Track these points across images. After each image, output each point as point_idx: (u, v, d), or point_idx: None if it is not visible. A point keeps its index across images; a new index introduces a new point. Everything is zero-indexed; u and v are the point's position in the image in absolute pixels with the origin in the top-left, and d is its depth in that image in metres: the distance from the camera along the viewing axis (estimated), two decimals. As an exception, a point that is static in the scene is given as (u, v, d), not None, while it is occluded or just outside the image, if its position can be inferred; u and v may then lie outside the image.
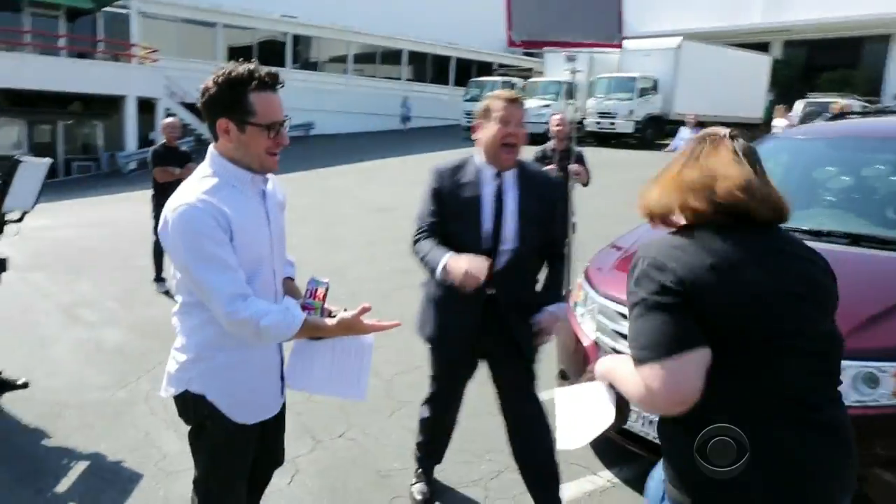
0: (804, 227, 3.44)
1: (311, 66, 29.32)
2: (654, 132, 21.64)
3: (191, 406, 2.00)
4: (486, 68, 32.75)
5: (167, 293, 6.71)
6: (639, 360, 1.45)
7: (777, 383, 1.45)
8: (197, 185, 1.87)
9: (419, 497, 3.15)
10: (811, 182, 3.96)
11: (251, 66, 1.86)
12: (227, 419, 1.98)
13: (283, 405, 2.20)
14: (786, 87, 27.68)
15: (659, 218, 1.61)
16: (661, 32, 25.11)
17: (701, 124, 13.59)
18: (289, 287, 2.19)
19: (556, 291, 2.86)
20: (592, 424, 1.70)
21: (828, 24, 27.21)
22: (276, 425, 2.21)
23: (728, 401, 1.45)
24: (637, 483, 3.31)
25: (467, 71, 32.06)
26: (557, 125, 6.33)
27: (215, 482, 2.09)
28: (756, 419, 1.44)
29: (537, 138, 21.81)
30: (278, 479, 3.27)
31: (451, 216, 2.71)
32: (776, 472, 1.44)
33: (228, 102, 1.84)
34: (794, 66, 29.56)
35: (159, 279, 6.90)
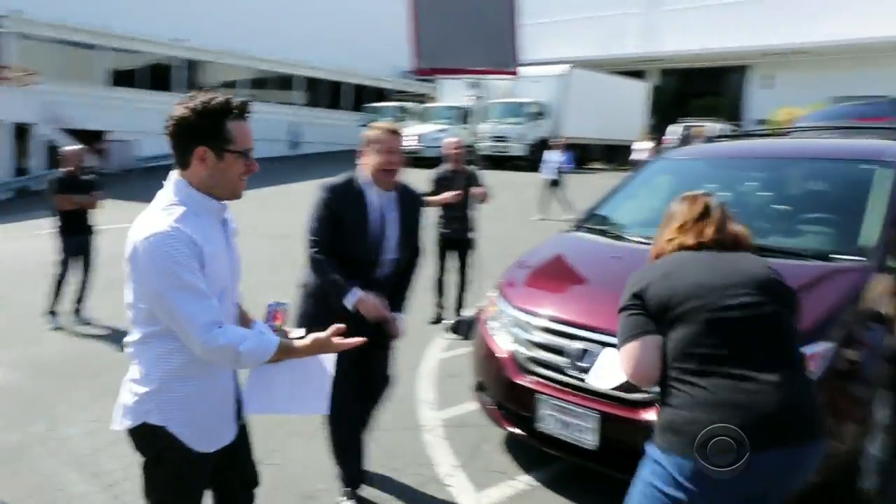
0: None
1: (200, 90, 28.49)
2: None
3: (149, 438, 1.97)
4: (380, 94, 33.06)
5: (59, 328, 6.36)
6: (618, 347, 2.09)
7: (699, 344, 1.98)
8: (165, 213, 1.87)
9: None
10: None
11: (223, 96, 1.91)
12: (186, 449, 1.97)
13: (243, 427, 2.20)
14: (662, 112, 29.72)
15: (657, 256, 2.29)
16: (547, 60, 26.31)
17: (569, 147, 14.01)
18: (239, 313, 2.20)
19: (402, 299, 3.30)
20: (617, 377, 2.46)
21: (694, 56, 29.53)
22: (241, 447, 2.20)
23: (672, 352, 2.00)
24: (554, 485, 3.50)
25: (362, 96, 32.25)
26: (455, 149, 6.53)
27: None
28: (685, 374, 1.98)
29: (435, 161, 22.36)
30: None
31: (342, 229, 3.05)
32: (699, 406, 1.93)
33: (208, 131, 1.89)
34: (668, 93, 31.79)
35: (52, 312, 6.51)
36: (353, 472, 3.31)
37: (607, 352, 2.76)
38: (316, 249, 3.06)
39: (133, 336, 1.98)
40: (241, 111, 1.95)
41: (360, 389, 3.28)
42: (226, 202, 2.01)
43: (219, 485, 2.19)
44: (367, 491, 3.38)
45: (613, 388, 2.94)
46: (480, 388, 3.83)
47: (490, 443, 3.97)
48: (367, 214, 3.07)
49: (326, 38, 31.06)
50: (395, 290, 3.25)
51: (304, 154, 29.33)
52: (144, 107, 25.26)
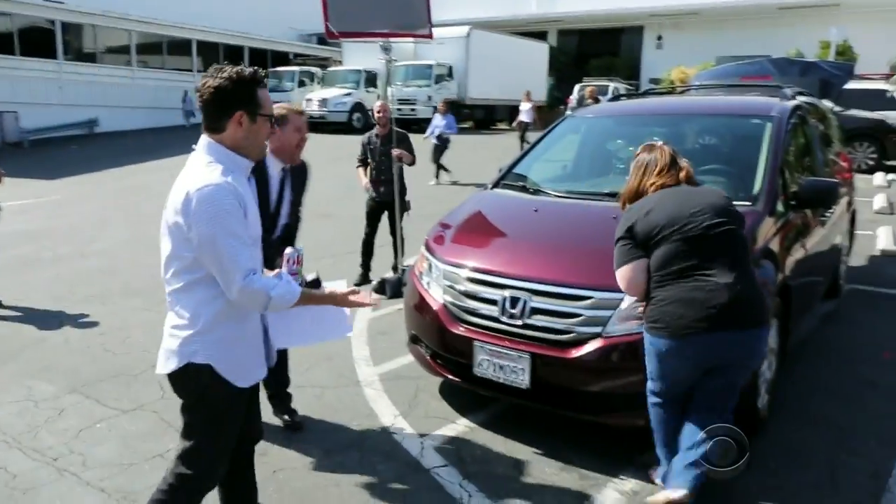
0: (604, 191, 4.12)
1: (89, 57, 26.57)
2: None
3: (193, 377, 2.18)
4: (282, 58, 32.05)
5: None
6: (615, 270, 2.85)
7: (674, 259, 2.72)
8: (210, 170, 2.10)
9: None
10: (605, 153, 4.69)
11: (251, 68, 2.17)
12: (229, 385, 2.20)
13: (255, 386, 2.43)
14: (562, 73, 30.47)
15: (629, 201, 2.99)
16: (450, 21, 26.31)
17: (449, 106, 13.72)
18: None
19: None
20: None
21: (593, 16, 30.35)
22: (252, 403, 2.43)
23: (655, 266, 2.76)
24: (492, 425, 3.77)
25: (262, 61, 31.16)
26: (379, 112, 6.61)
27: (212, 449, 2.27)
28: (664, 279, 2.76)
29: (340, 127, 22.09)
30: (154, 474, 3.30)
31: None
32: (674, 302, 2.72)
33: (244, 96, 2.14)
34: (567, 54, 32.59)
35: None
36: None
37: None
38: None
39: (174, 284, 2.18)
40: (265, 82, 2.23)
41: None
42: (251, 161, 2.26)
43: None
44: (316, 440, 3.57)
45: (541, 331, 3.25)
46: (415, 340, 4.03)
47: (427, 392, 4.20)
48: (268, 185, 3.41)
49: (223, 1, 29.73)
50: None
51: (199, 123, 28.03)
52: (23, 75, 23.44)
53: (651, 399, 2.96)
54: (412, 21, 6.15)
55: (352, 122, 22.65)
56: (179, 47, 29.43)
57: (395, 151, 6.45)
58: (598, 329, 3.18)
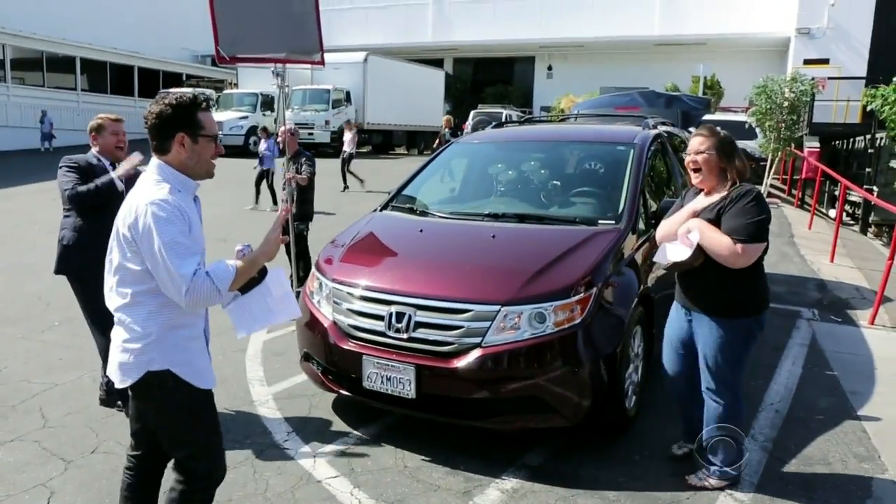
0: (485, 212, 4.42)
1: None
2: (349, 142, 22.88)
3: (155, 385, 2.28)
4: (174, 79, 31.10)
5: None
6: (745, 240, 3.05)
7: None
8: (157, 188, 2.25)
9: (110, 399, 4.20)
10: (486, 176, 5.00)
11: (190, 93, 2.34)
12: (191, 387, 2.31)
13: None
14: (458, 99, 31.33)
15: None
16: (347, 47, 26.54)
17: (269, 135, 13.16)
18: None
19: None
20: (678, 254, 3.21)
21: (486, 45, 31.44)
22: None
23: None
24: (382, 437, 3.93)
25: (154, 81, 30.08)
26: (287, 135, 6.86)
27: (204, 447, 2.41)
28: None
29: (235, 150, 21.70)
30: None
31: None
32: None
33: (184, 120, 2.30)
34: (463, 81, 33.54)
35: None
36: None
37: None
38: (74, 186, 3.93)
39: (121, 300, 2.29)
40: (207, 105, 2.43)
41: None
42: (198, 182, 2.41)
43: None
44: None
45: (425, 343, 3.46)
46: (307, 357, 4.13)
47: (319, 408, 4.30)
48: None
49: (110, 14, 28.49)
50: None
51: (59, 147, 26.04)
52: None
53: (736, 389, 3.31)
54: (304, 47, 6.29)
55: (248, 145, 22.30)
56: (62, 64, 27.90)
57: (288, 174, 6.62)
58: (477, 340, 3.42)
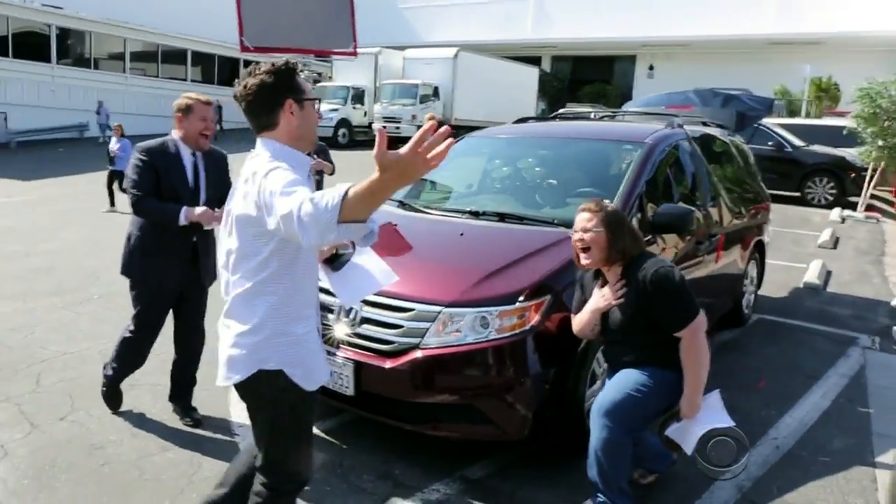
0: (467, 209, 4.23)
1: (83, 62, 26.96)
2: (436, 136, 23.00)
3: (265, 384, 2.14)
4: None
5: None
6: (688, 323, 2.84)
7: None
8: (275, 163, 2.03)
9: (112, 399, 4.02)
10: (483, 172, 4.80)
11: (281, 60, 2.26)
12: (299, 389, 2.18)
13: None
14: (553, 98, 30.76)
15: None
16: (444, 42, 26.69)
17: (122, 135, 12.39)
18: None
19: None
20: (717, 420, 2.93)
21: (586, 44, 30.68)
22: None
23: None
24: (334, 433, 3.84)
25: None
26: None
27: (295, 452, 2.27)
28: None
29: (326, 140, 22.33)
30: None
31: (165, 181, 3.64)
32: None
33: (288, 85, 2.14)
34: (560, 79, 32.89)
35: None
36: (124, 372, 3.97)
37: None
38: (139, 194, 3.61)
39: (240, 287, 2.13)
40: (298, 69, 2.29)
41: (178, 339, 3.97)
42: (308, 158, 2.26)
43: None
44: (164, 436, 3.71)
45: (367, 338, 3.34)
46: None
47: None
48: (183, 168, 3.70)
49: (220, 12, 30.10)
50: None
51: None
52: (14, 77, 23.77)
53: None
54: (337, 38, 6.31)
55: (337, 137, 22.89)
56: (174, 56, 29.81)
57: (313, 162, 6.63)
58: (416, 340, 3.26)
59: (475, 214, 4.12)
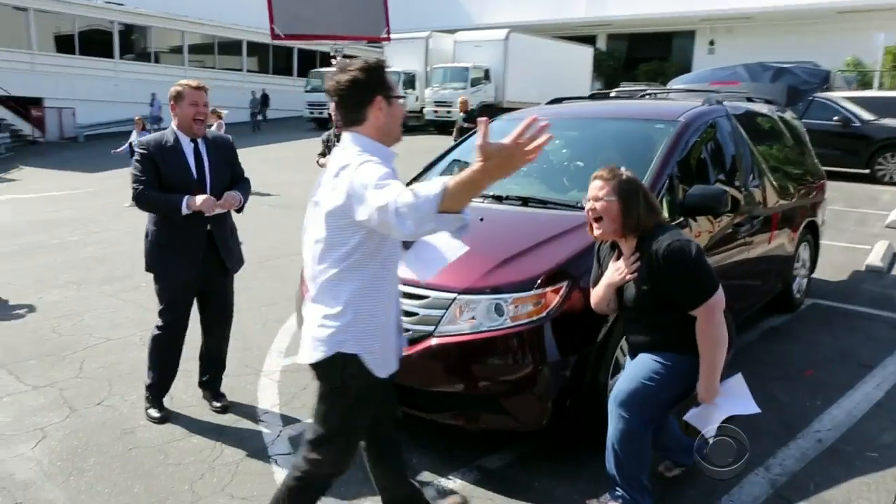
0: (490, 193, 4.13)
1: (144, 56, 27.87)
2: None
3: (339, 366, 2.20)
4: (329, 59, 32.78)
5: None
6: (705, 301, 2.64)
7: None
8: (364, 157, 2.11)
9: (156, 415, 3.83)
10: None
11: (369, 57, 2.32)
12: (370, 374, 2.22)
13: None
14: (609, 77, 30.02)
15: None
16: (497, 24, 26.34)
17: (144, 128, 13.12)
18: None
19: (242, 185, 3.90)
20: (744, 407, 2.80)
21: (643, 20, 29.76)
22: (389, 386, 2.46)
23: None
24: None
25: (311, 62, 31.87)
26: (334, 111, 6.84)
27: (345, 438, 2.33)
28: None
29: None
30: (23, 445, 3.52)
31: (165, 171, 3.62)
32: None
33: (379, 82, 2.21)
34: (616, 58, 32.05)
35: None
36: (162, 384, 3.91)
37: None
38: (140, 186, 3.62)
39: (327, 273, 2.19)
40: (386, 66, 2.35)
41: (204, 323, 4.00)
42: (394, 153, 2.29)
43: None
44: (186, 423, 3.78)
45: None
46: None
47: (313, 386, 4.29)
48: (184, 157, 3.67)
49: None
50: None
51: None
52: (81, 73, 24.74)
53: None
54: (369, 24, 6.27)
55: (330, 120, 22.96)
56: (230, 48, 30.48)
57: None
58: (431, 328, 3.21)
59: (498, 199, 4.02)
